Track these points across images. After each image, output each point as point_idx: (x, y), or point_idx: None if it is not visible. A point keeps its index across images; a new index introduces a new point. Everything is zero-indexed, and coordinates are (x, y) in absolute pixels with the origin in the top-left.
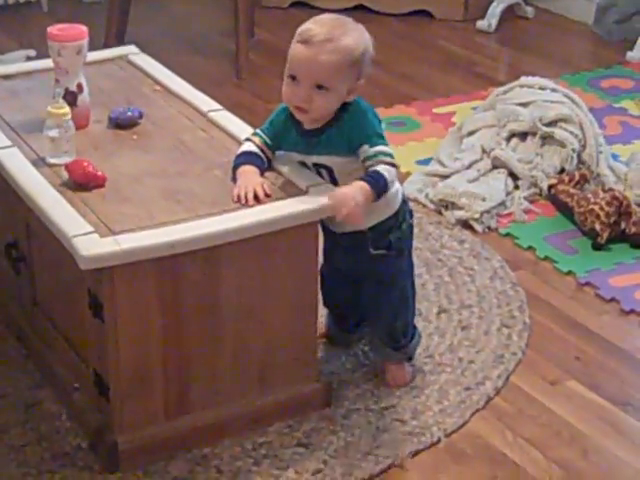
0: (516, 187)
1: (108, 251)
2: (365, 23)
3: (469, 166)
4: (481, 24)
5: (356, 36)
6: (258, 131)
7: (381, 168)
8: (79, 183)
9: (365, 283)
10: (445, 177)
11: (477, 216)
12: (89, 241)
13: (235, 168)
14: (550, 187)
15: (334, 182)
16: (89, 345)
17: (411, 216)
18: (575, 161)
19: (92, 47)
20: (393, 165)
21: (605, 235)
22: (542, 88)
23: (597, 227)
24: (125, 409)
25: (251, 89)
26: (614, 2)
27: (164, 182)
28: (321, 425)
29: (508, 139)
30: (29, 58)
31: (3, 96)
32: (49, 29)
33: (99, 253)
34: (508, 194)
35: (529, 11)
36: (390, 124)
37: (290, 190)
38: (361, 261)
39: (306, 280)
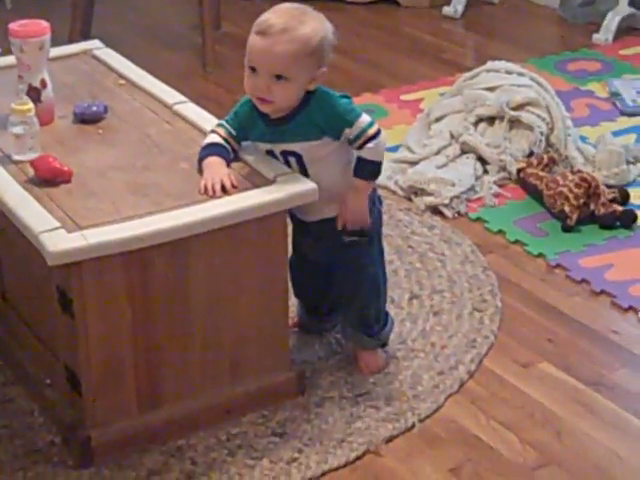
0: (485, 172)
1: (75, 246)
2: (331, 11)
3: (438, 152)
4: (447, 10)
5: (314, 25)
6: (223, 122)
7: (364, 152)
8: (45, 179)
9: (335, 271)
10: (414, 163)
11: (447, 202)
12: (56, 237)
13: (201, 160)
14: (519, 171)
15: (303, 168)
16: (59, 340)
17: (380, 202)
18: (543, 144)
19: (57, 43)
20: (377, 133)
21: (574, 217)
22: (509, 72)
23: (566, 209)
24: (97, 404)
25: (218, 81)
26: None
27: (130, 176)
28: (295, 414)
29: (476, 124)
30: None
31: None
32: (10, 25)
33: (66, 248)
34: (477, 179)
35: None
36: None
37: (257, 180)
38: (331, 249)
39: (276, 270)
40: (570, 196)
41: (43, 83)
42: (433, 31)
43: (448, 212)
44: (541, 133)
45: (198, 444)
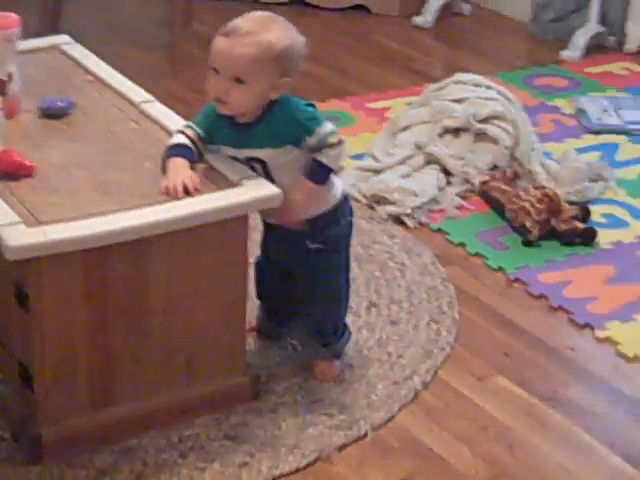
0: (448, 183)
1: (35, 242)
2: (302, 17)
3: (402, 161)
4: (417, 20)
5: (279, 33)
6: (190, 123)
7: (320, 157)
8: (7, 172)
9: (299, 277)
10: (378, 172)
11: (409, 211)
12: (16, 231)
13: (165, 160)
14: (482, 183)
15: (268, 175)
16: (14, 336)
17: (351, 213)
18: (507, 158)
19: (25, 36)
20: (338, 142)
21: (535, 232)
22: (477, 85)
23: (527, 224)
24: (49, 400)
25: (186, 81)
26: (550, 1)
27: (93, 173)
28: (248, 418)
29: (441, 135)
30: None
31: None
32: None
33: (26, 243)
34: (440, 190)
35: (466, 8)
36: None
37: (221, 183)
38: (296, 254)
39: (235, 273)
40: (532, 211)
41: (10, 76)
42: (403, 40)
43: (410, 222)
44: (506, 147)
45: (149, 445)
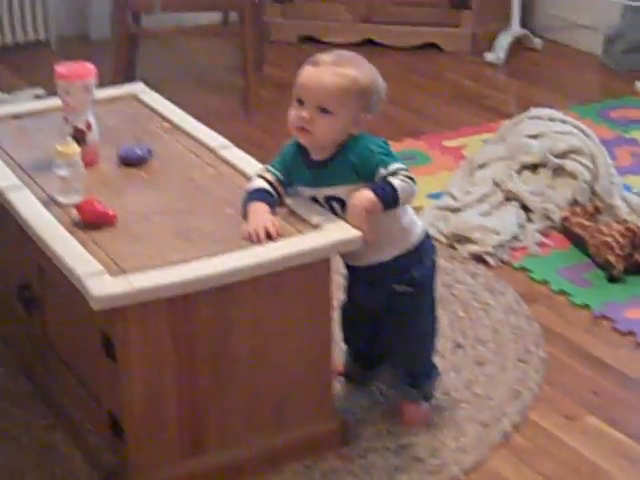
0: (529, 220)
1: (120, 291)
2: (374, 57)
3: (481, 199)
4: (489, 57)
5: (365, 71)
6: (269, 167)
7: (393, 179)
8: (89, 222)
9: (386, 320)
10: (457, 211)
11: (490, 250)
12: (100, 281)
13: (245, 205)
14: (563, 219)
15: None
16: (102, 385)
17: (434, 252)
18: (587, 193)
19: (100, 85)
20: (410, 178)
21: (619, 267)
22: (552, 119)
23: (611, 259)
24: (139, 450)
25: (260, 124)
26: (621, 33)
27: (174, 220)
28: (338, 465)
29: (519, 172)
30: (37, 97)
31: (12, 135)
32: (57, 68)
33: (111, 293)
34: (521, 227)
35: (537, 43)
36: (400, 158)
37: (301, 226)
38: (382, 297)
39: (320, 317)
40: (615, 246)
41: (88, 125)
42: (475, 77)
43: (492, 260)
44: (585, 182)
45: None
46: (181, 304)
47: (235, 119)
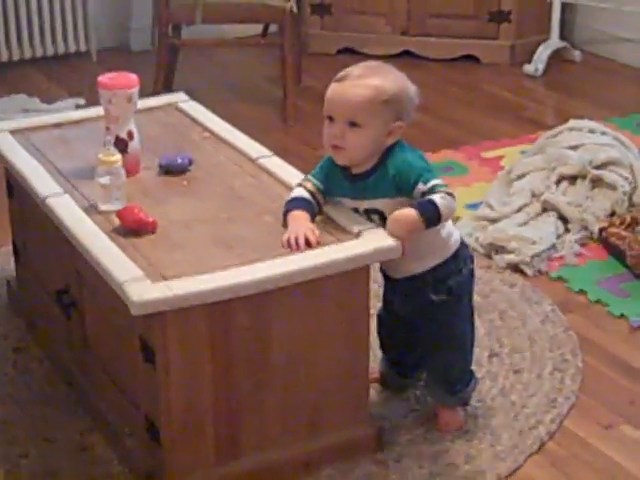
0: (567, 230)
1: (159, 297)
2: (412, 69)
3: (519, 210)
4: (528, 68)
5: (390, 78)
6: (309, 176)
7: (434, 196)
8: (130, 229)
9: (423, 328)
10: (495, 221)
11: (527, 260)
12: (140, 287)
13: (286, 213)
14: (601, 230)
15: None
16: (140, 390)
17: (472, 261)
18: (626, 204)
19: (141, 95)
20: (449, 194)
21: None
22: (591, 131)
23: None
24: (177, 454)
25: (299, 135)
26: None
27: (214, 228)
28: (373, 470)
29: (558, 182)
30: (79, 107)
31: (54, 144)
32: (100, 78)
33: (151, 299)
34: (558, 237)
35: (576, 55)
36: (438, 169)
37: (341, 235)
38: (420, 307)
39: (357, 325)
40: None
41: (130, 134)
42: (514, 89)
43: (529, 270)
44: (624, 193)
45: None
46: (219, 310)
47: (274, 130)
